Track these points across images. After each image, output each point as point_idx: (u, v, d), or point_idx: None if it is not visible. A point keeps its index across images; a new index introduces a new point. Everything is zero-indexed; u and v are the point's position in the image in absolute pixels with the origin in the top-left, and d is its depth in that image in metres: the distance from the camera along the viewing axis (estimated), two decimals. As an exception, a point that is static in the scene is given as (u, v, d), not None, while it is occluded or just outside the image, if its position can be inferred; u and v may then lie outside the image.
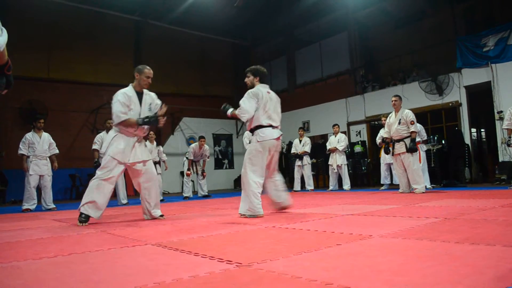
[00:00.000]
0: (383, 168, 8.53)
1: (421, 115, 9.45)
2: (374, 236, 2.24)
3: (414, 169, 6.23)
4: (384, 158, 8.30)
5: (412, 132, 6.28)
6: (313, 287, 1.30)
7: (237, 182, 14.58)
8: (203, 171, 9.25)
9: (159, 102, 4.09)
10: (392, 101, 6.57)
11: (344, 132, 10.92)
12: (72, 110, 12.05)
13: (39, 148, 6.73)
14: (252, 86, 4.06)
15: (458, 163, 8.82)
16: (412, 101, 9.83)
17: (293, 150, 9.82)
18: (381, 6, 11.67)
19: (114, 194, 8.02)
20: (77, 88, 12.23)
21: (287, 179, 12.10)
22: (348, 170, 9.62)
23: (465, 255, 1.64)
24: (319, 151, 11.08)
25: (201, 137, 9.05)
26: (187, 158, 9.13)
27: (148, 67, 3.98)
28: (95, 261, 1.92)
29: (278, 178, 4.05)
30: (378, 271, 1.45)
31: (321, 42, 13.45)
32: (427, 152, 8.56)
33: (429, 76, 9.89)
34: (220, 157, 14.94)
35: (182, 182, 9.33)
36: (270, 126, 3.89)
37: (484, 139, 12.21)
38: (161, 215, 4.04)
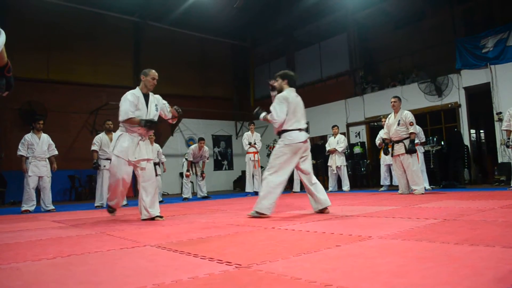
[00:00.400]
0: (383, 169, 8.54)
1: (420, 116, 9.46)
2: (374, 237, 2.24)
3: (414, 170, 6.23)
4: (384, 159, 8.31)
5: (411, 133, 6.28)
6: (312, 288, 1.30)
7: (237, 183, 14.58)
8: (202, 172, 9.25)
9: (164, 102, 4.34)
10: (391, 102, 6.57)
11: (343, 133, 10.93)
12: (72, 111, 12.04)
13: (38, 149, 6.72)
14: (281, 90, 4.07)
15: (457, 164, 8.83)
16: (411, 102, 9.84)
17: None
18: (380, 7, 11.68)
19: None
20: (77, 89, 12.23)
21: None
22: (348, 171, 9.62)
23: (465, 256, 1.64)
24: (319, 152, 11.08)
25: (201, 139, 9.06)
26: (186, 159, 9.13)
27: (153, 70, 4.22)
28: (94, 262, 1.92)
29: (317, 181, 4.05)
30: (378, 272, 1.45)
31: (321, 43, 13.46)
32: (427, 153, 8.57)
33: (429, 77, 9.90)
34: (219, 158, 14.94)
35: (182, 183, 9.33)
36: (298, 129, 3.91)
37: (483, 140, 12.22)
38: (160, 216, 4.02)
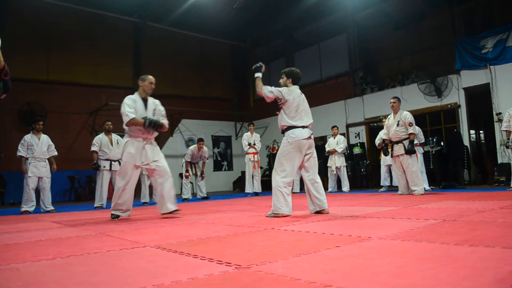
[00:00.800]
0: (383, 169, 8.53)
1: (420, 117, 9.47)
2: (373, 238, 2.24)
3: (413, 171, 6.23)
4: (384, 160, 8.30)
5: (410, 133, 6.28)
6: (312, 289, 1.30)
7: (236, 184, 14.58)
8: (202, 173, 9.25)
9: (162, 108, 4.49)
10: (391, 103, 6.58)
11: (343, 134, 10.92)
12: (71, 112, 12.04)
13: (38, 150, 6.72)
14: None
15: (457, 165, 8.83)
16: (411, 103, 9.84)
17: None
18: (380, 7, 11.69)
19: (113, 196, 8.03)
20: (76, 90, 12.23)
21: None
22: (347, 172, 9.63)
23: (464, 257, 1.64)
24: (318, 153, 11.02)
25: (200, 140, 9.06)
26: (185, 160, 9.13)
27: (150, 75, 4.45)
28: (94, 263, 1.92)
29: (319, 181, 4.04)
30: (377, 273, 1.45)
31: (320, 44, 13.47)
32: (426, 153, 8.57)
33: (428, 78, 9.90)
34: (219, 159, 14.94)
35: (181, 184, 9.32)
36: (301, 126, 3.94)
37: (483, 141, 12.22)
38: (176, 210, 4.26)
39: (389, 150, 6.70)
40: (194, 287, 1.39)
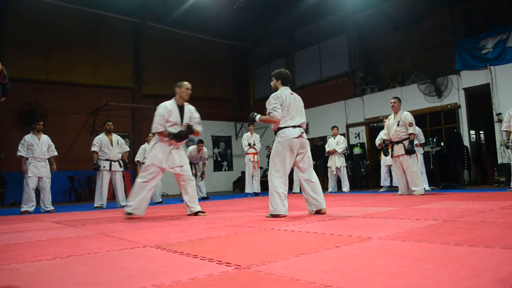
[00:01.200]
0: (383, 170, 8.53)
1: (420, 117, 9.47)
2: (373, 238, 2.24)
3: (413, 171, 6.23)
4: (385, 160, 8.30)
5: (410, 134, 6.28)
6: (312, 289, 1.30)
7: (236, 184, 14.58)
8: (202, 173, 9.25)
9: (197, 115, 4.70)
10: (391, 103, 6.57)
11: (343, 134, 10.92)
12: (71, 112, 12.04)
13: (38, 150, 6.72)
14: (276, 89, 4.16)
15: (457, 165, 8.83)
16: (411, 103, 9.84)
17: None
18: (380, 8, 11.69)
19: (113, 196, 8.04)
20: (76, 90, 12.23)
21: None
22: (347, 172, 9.62)
23: (464, 257, 1.64)
24: (318, 153, 11.07)
25: (200, 142, 9.05)
26: None
27: (186, 82, 4.66)
28: (94, 263, 1.92)
29: (315, 180, 4.03)
30: (377, 273, 1.45)
31: (320, 44, 13.47)
32: (426, 154, 8.57)
33: (428, 78, 9.91)
34: (219, 159, 14.94)
35: (181, 184, 9.31)
36: (292, 126, 3.96)
37: (483, 141, 12.22)
38: (201, 212, 4.47)
39: (389, 150, 6.70)
40: (194, 287, 1.39)
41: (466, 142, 9.23)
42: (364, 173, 10.71)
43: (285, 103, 3.97)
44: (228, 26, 14.33)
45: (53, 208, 6.76)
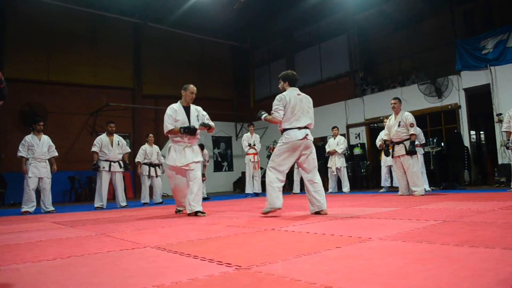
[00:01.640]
0: (383, 170, 8.52)
1: (420, 118, 9.46)
2: (374, 239, 2.24)
3: (414, 171, 6.23)
4: (385, 161, 8.29)
5: (411, 134, 6.28)
6: (312, 290, 1.30)
7: (237, 184, 14.57)
8: (203, 175, 9.25)
9: (204, 113, 4.92)
10: (392, 103, 6.57)
11: (343, 135, 10.92)
12: (72, 113, 12.05)
13: (39, 150, 6.72)
14: (284, 91, 4.19)
15: (457, 166, 8.83)
16: (411, 103, 9.84)
17: (292, 153, 9.79)
18: (380, 8, 11.69)
19: (113, 197, 8.04)
20: (77, 90, 12.24)
21: (287, 181, 12.09)
22: (348, 173, 9.62)
23: (465, 258, 1.64)
24: (318, 154, 11.04)
25: (201, 146, 9.05)
26: None
27: (192, 85, 4.86)
28: (94, 263, 1.92)
29: (318, 181, 4.07)
30: (378, 274, 1.45)
31: (321, 45, 13.47)
32: (427, 154, 8.57)
33: (428, 79, 9.90)
34: (219, 159, 14.94)
35: (182, 184, 9.31)
36: (297, 128, 4.00)
37: (483, 142, 12.22)
38: (201, 212, 4.52)
39: (390, 150, 6.70)
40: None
41: (467, 143, 9.22)
42: (364, 174, 10.71)
43: (289, 105, 3.99)
44: (228, 26, 14.32)
45: (53, 209, 6.76)
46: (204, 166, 9.28)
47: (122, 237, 2.84)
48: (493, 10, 10.12)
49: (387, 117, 7.20)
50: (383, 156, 8.27)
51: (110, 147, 7.33)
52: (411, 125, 6.30)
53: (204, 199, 8.99)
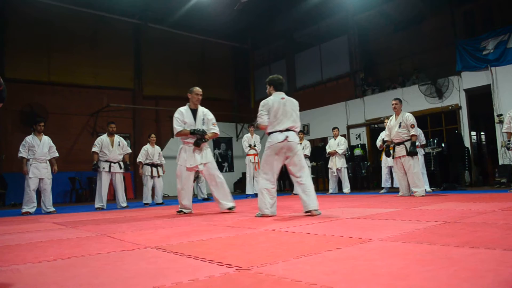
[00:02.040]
0: (384, 171, 8.51)
1: (421, 118, 9.46)
2: (374, 240, 2.24)
3: (414, 172, 6.22)
4: (386, 161, 8.28)
5: (412, 135, 6.28)
6: (313, 291, 1.30)
7: (237, 185, 14.57)
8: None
9: (211, 117, 5.08)
10: (393, 104, 6.57)
11: (343, 135, 10.92)
12: (72, 113, 12.06)
13: (39, 151, 6.72)
14: (270, 95, 4.28)
15: (458, 166, 8.82)
16: (411, 104, 9.84)
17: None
18: (381, 9, 11.70)
19: (114, 197, 8.04)
20: (77, 91, 12.26)
21: (287, 182, 12.10)
22: (348, 173, 9.61)
23: (465, 259, 1.64)
24: (319, 154, 11.08)
25: None
26: None
27: (197, 87, 5.04)
28: (95, 264, 1.92)
29: (305, 182, 4.07)
30: (378, 275, 1.45)
31: (321, 45, 13.48)
32: (427, 155, 8.56)
33: (429, 79, 9.90)
34: (220, 160, 14.94)
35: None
36: (279, 131, 4.06)
37: (484, 142, 12.22)
38: (231, 207, 4.81)
39: (391, 151, 6.69)
40: (195, 288, 1.39)
41: (467, 143, 9.22)
42: (365, 174, 10.70)
43: (272, 109, 4.07)
44: (229, 27, 14.34)
45: (54, 209, 6.76)
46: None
47: (123, 238, 2.84)
48: (493, 10, 10.12)
49: (387, 118, 7.20)
50: (383, 157, 8.27)
51: (111, 147, 7.33)
52: (412, 126, 6.30)
53: (205, 199, 9.01)
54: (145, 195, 8.30)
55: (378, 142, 8.29)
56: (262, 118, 4.11)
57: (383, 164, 8.55)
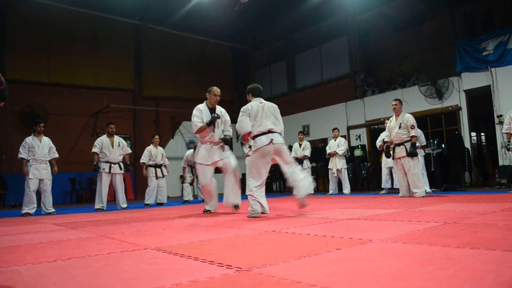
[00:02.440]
0: (384, 172, 8.51)
1: (421, 119, 9.45)
2: (374, 241, 2.24)
3: (414, 173, 6.22)
4: (386, 162, 8.28)
5: (412, 136, 6.27)
6: (313, 292, 1.30)
7: (237, 186, 14.55)
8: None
9: (227, 118, 5.17)
10: (393, 105, 6.57)
11: (344, 136, 10.92)
12: (73, 114, 12.07)
13: (39, 152, 6.72)
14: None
15: (458, 167, 8.81)
16: (412, 105, 9.84)
17: (293, 154, 9.79)
18: (381, 10, 11.71)
19: (114, 198, 8.04)
20: (78, 92, 12.26)
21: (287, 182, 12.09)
22: (348, 174, 9.60)
23: (465, 260, 1.64)
24: (319, 155, 11.07)
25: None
26: (182, 165, 9.11)
27: (215, 87, 5.15)
28: (95, 265, 1.92)
29: (295, 169, 4.27)
30: (378, 276, 1.44)
31: (321, 46, 13.49)
32: (427, 156, 8.56)
33: (429, 80, 9.90)
34: (220, 160, 14.91)
35: (182, 186, 9.32)
36: (262, 133, 4.17)
37: (484, 143, 12.22)
38: (235, 206, 4.90)
39: (391, 152, 6.69)
40: (194, 289, 1.39)
41: (467, 144, 9.22)
42: (365, 175, 10.70)
43: (251, 112, 4.23)
44: (229, 28, 14.34)
45: (54, 210, 6.76)
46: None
47: (123, 239, 2.84)
48: (493, 11, 10.12)
49: (387, 119, 7.20)
50: (383, 158, 8.26)
51: (111, 148, 7.33)
52: (412, 127, 6.29)
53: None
54: (147, 196, 8.28)
55: (378, 142, 8.29)
56: (244, 120, 4.21)
57: (383, 165, 8.55)
